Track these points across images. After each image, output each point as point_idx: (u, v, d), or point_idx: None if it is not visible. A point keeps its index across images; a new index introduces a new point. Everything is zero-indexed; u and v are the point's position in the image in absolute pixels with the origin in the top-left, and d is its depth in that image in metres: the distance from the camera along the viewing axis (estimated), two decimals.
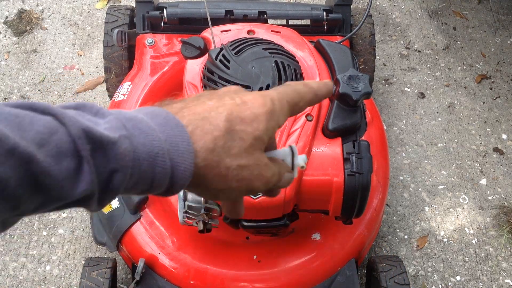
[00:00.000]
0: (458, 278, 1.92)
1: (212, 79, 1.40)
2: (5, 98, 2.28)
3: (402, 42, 2.54)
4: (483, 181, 2.15)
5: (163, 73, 1.87)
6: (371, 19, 2.12)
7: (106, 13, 2.05)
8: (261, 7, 1.93)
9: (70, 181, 0.54)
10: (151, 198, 1.66)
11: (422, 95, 2.36)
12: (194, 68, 1.47)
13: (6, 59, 2.40)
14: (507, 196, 2.11)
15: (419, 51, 2.51)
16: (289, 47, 1.52)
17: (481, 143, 2.24)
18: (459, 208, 2.08)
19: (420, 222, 2.03)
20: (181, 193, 1.41)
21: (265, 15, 1.91)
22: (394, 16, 2.63)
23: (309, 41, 1.59)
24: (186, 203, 1.43)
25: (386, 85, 2.39)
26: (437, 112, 2.32)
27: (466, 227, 2.03)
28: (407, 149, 2.21)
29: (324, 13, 1.95)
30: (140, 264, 1.56)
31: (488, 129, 2.28)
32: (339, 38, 1.92)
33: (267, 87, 1.35)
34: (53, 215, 1.99)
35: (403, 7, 2.66)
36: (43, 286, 1.85)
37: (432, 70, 2.45)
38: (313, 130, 1.38)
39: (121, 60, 2.00)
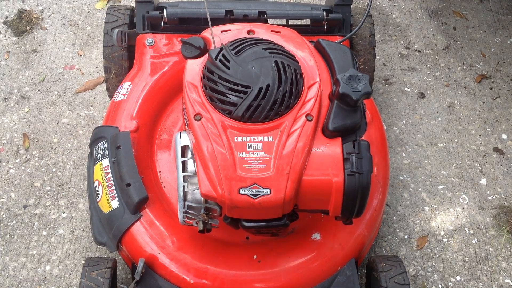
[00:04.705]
0: (458, 278, 1.92)
1: (212, 79, 1.40)
2: (5, 98, 2.28)
3: (402, 42, 2.54)
4: (483, 181, 2.15)
5: (163, 73, 1.87)
6: (371, 19, 2.12)
7: (106, 13, 2.05)
8: (261, 7, 1.93)
9: None
10: (151, 198, 1.66)
11: (422, 95, 2.36)
12: (194, 68, 1.47)
13: (6, 59, 2.40)
14: (507, 196, 2.11)
15: (419, 51, 2.51)
16: (289, 47, 1.52)
17: (481, 143, 2.24)
18: (459, 208, 2.08)
19: (420, 222, 2.03)
20: (181, 193, 1.41)
21: (265, 15, 1.91)
22: (394, 16, 2.63)
23: (309, 41, 1.59)
24: (186, 203, 1.43)
25: (386, 85, 2.39)
26: (437, 112, 2.32)
27: (466, 227, 2.03)
28: (407, 149, 2.21)
29: (324, 13, 1.95)
30: (140, 264, 1.56)
31: (488, 129, 2.28)
32: (339, 38, 1.92)
33: (267, 87, 1.35)
34: (53, 215, 1.99)
35: (403, 7, 2.67)
36: (43, 286, 1.85)
37: (432, 70, 2.45)
38: (313, 130, 1.38)
39: (121, 60, 2.00)
